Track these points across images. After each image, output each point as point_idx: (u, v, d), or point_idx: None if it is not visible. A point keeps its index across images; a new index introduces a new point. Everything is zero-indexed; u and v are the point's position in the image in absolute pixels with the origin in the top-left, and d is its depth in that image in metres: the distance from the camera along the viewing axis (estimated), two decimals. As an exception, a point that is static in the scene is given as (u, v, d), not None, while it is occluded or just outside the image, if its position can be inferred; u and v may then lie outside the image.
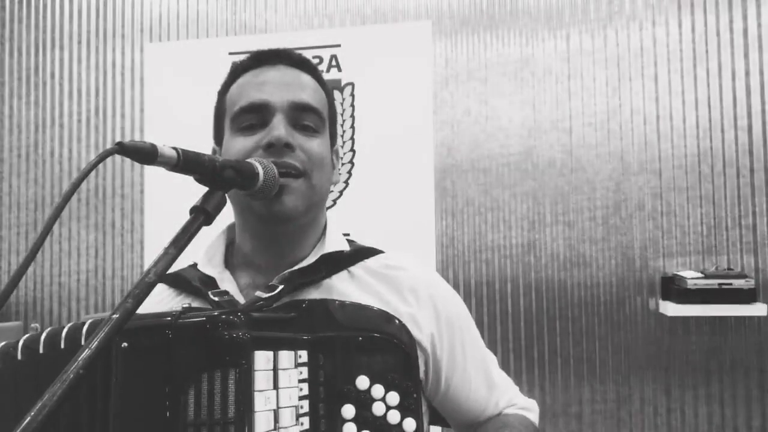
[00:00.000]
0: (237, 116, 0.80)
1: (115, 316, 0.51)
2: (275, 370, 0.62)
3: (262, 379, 0.60)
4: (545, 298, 2.43)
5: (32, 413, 0.43)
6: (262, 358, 0.61)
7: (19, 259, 2.89)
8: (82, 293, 2.81)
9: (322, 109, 0.81)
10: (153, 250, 2.70)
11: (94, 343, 0.49)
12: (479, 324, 2.50)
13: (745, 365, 2.29)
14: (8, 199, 2.92)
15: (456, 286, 2.49)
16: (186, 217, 0.62)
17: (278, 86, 0.79)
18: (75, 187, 0.52)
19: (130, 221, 2.78)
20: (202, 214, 0.62)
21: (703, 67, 2.39)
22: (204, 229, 0.62)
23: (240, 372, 0.59)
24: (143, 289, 0.54)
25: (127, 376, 0.62)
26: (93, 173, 2.78)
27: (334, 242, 0.83)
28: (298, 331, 0.67)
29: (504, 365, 2.50)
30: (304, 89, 0.80)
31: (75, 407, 0.63)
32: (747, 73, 2.36)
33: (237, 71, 0.84)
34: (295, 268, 0.79)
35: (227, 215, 0.83)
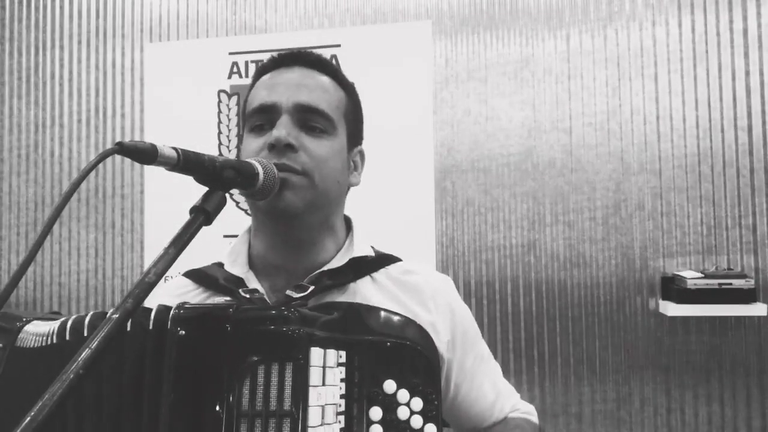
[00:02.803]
0: (249, 117, 0.82)
1: (115, 316, 0.51)
2: (324, 367, 0.63)
3: (315, 375, 0.62)
4: (545, 298, 2.43)
5: (32, 413, 0.43)
6: (316, 355, 0.62)
7: (19, 259, 2.89)
8: (82, 293, 2.81)
9: (331, 111, 0.81)
10: (153, 250, 2.71)
11: (95, 343, 0.49)
12: (479, 324, 2.49)
13: (745, 365, 2.29)
14: (8, 199, 2.92)
15: (456, 286, 2.49)
16: (186, 217, 0.62)
17: (288, 87, 0.80)
18: (75, 187, 0.52)
19: (130, 221, 2.78)
20: (202, 214, 0.62)
21: (703, 67, 2.39)
22: (204, 229, 0.62)
23: (297, 366, 0.60)
24: (143, 289, 0.54)
25: (181, 363, 0.62)
26: (93, 173, 2.78)
27: (360, 247, 0.85)
28: (335, 332, 0.68)
29: (504, 365, 2.50)
30: (313, 90, 0.80)
31: (121, 391, 0.63)
32: (747, 73, 2.36)
33: (257, 74, 0.86)
34: (325, 268, 0.80)
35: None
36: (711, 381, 2.30)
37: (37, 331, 0.69)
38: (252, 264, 0.85)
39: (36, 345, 0.68)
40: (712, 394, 2.30)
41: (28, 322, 0.71)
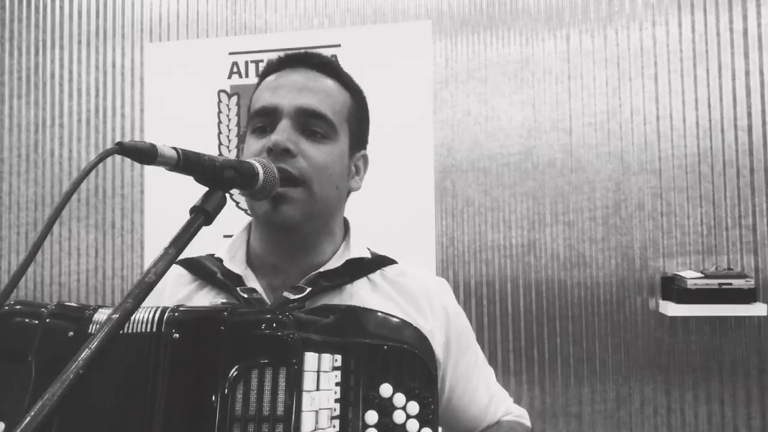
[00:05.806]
0: (252, 118, 0.81)
1: (115, 316, 0.51)
2: (318, 372, 0.63)
3: (309, 380, 0.61)
4: (545, 298, 2.43)
5: (32, 413, 0.43)
6: (310, 360, 0.62)
7: (19, 259, 2.89)
8: (82, 293, 2.81)
9: (333, 116, 0.80)
10: (153, 250, 2.71)
11: (95, 343, 0.49)
12: (479, 324, 2.50)
13: (745, 365, 2.29)
14: (8, 199, 2.92)
15: (456, 286, 2.49)
16: (186, 217, 0.62)
17: (291, 90, 0.79)
18: (75, 187, 0.52)
19: (130, 221, 2.78)
20: (202, 214, 0.62)
21: (703, 67, 2.39)
22: (204, 229, 0.62)
23: (290, 371, 0.60)
24: (143, 289, 0.54)
25: (175, 366, 0.62)
26: (93, 173, 2.78)
27: (357, 248, 0.84)
28: (330, 335, 0.68)
29: (504, 365, 2.50)
30: (316, 94, 0.79)
31: (125, 395, 0.63)
32: (747, 73, 2.36)
33: (263, 74, 0.85)
34: (321, 270, 0.79)
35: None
36: (711, 381, 2.30)
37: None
38: (250, 261, 0.84)
39: None
40: (712, 394, 2.30)
41: (95, 311, 0.69)
